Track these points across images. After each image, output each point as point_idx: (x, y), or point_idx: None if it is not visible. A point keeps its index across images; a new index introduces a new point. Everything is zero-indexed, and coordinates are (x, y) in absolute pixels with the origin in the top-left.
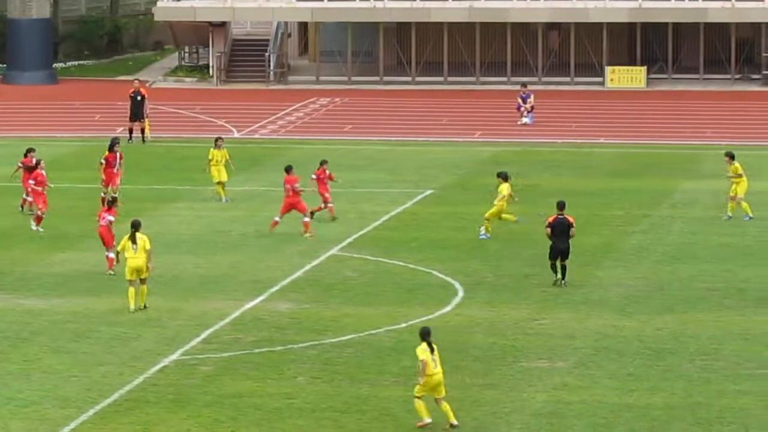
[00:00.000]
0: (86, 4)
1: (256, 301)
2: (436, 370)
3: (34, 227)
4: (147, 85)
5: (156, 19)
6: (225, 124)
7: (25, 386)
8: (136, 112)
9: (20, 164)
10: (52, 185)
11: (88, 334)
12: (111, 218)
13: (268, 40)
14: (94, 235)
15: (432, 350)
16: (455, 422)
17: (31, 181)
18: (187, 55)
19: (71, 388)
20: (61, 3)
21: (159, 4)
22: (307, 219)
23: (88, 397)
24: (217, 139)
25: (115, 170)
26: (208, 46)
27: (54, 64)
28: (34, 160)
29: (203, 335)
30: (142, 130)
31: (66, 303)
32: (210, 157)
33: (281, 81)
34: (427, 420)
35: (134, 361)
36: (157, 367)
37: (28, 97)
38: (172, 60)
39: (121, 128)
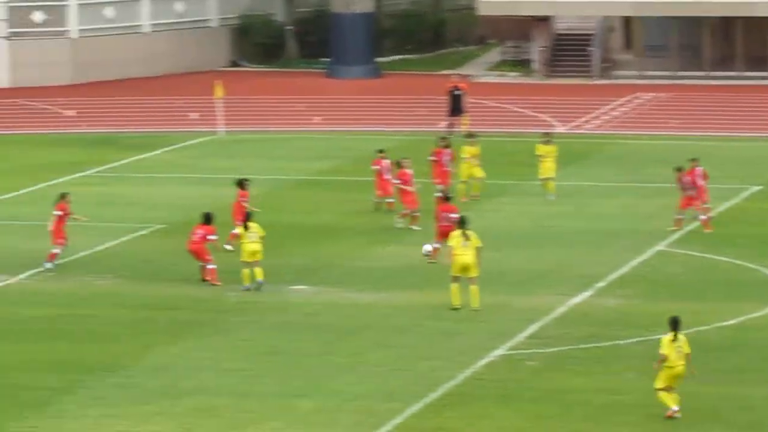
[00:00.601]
0: None
1: (582, 296)
2: (679, 362)
3: (400, 224)
4: (469, 79)
5: (479, 13)
6: (549, 119)
7: (351, 379)
8: (456, 107)
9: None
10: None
11: (413, 329)
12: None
13: (591, 35)
14: (422, 229)
15: (675, 339)
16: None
17: (396, 180)
18: (510, 49)
19: (397, 382)
20: None
21: None
22: None
23: (413, 391)
24: (545, 134)
25: (446, 168)
26: (531, 41)
27: (377, 59)
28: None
29: (529, 330)
30: (460, 125)
31: (391, 297)
32: (538, 152)
33: (604, 76)
34: (675, 408)
35: (460, 355)
36: (483, 362)
37: (352, 91)
38: (495, 54)
39: (444, 123)
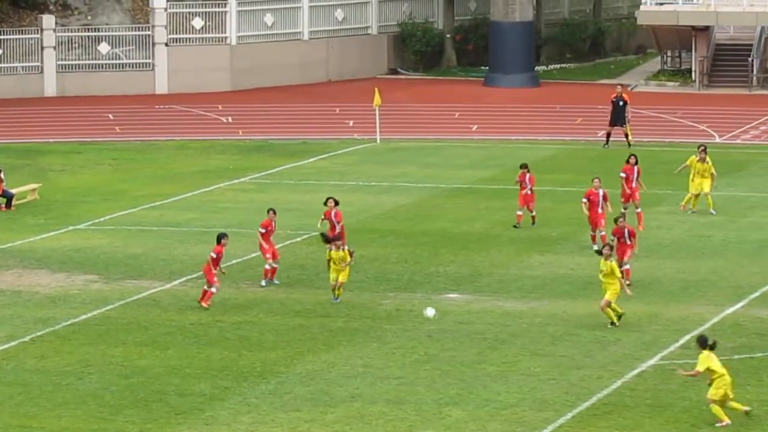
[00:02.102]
0: (569, 7)
1: (736, 306)
2: (724, 371)
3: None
4: (628, 89)
5: (639, 23)
6: (707, 129)
7: (503, 388)
8: (617, 118)
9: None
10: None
11: (566, 338)
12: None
13: (751, 45)
14: (571, 237)
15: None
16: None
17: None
18: (669, 59)
19: (549, 391)
20: (544, 6)
21: (642, 8)
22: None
23: (566, 401)
24: (702, 151)
25: (634, 185)
26: (691, 51)
27: (536, 67)
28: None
29: (682, 340)
30: (626, 135)
31: (544, 306)
32: (688, 163)
33: (764, 86)
34: (727, 421)
35: (613, 365)
36: (635, 372)
37: (509, 100)
38: (654, 64)
39: (602, 132)
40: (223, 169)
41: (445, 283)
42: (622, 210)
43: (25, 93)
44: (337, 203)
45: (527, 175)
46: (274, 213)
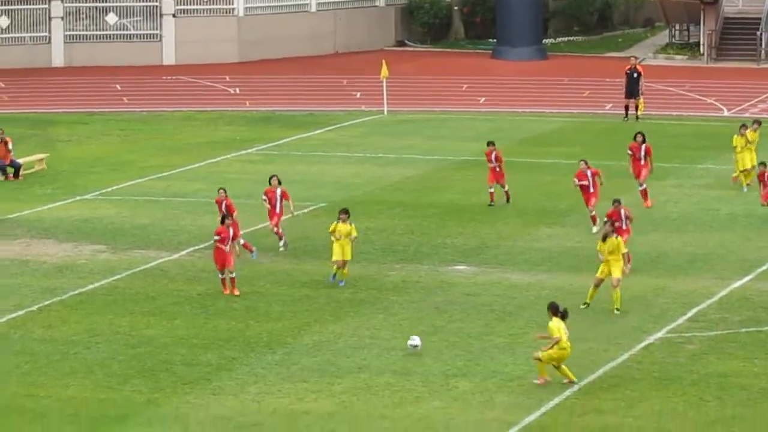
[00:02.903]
0: None
1: (743, 280)
2: (567, 344)
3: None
4: (639, 62)
5: None
6: (715, 102)
7: (510, 360)
8: (632, 90)
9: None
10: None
11: (573, 310)
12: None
13: (759, 19)
14: (578, 210)
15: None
16: (574, 379)
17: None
18: (677, 32)
19: None
20: None
21: None
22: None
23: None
24: (741, 126)
25: (642, 162)
26: (699, 24)
27: (543, 40)
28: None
29: (689, 314)
30: (636, 107)
31: (551, 278)
32: (734, 144)
33: None
34: (546, 379)
35: (620, 337)
36: (642, 345)
37: (517, 72)
38: (662, 37)
39: (610, 105)
40: (231, 140)
41: (453, 255)
42: (640, 187)
43: (33, 63)
44: (280, 182)
45: (494, 153)
46: (225, 192)
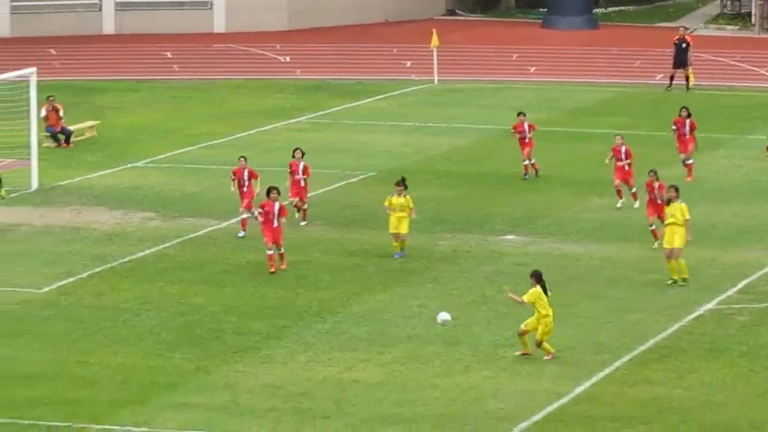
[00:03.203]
0: None
1: None
2: (549, 311)
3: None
4: (688, 32)
5: None
6: (766, 73)
7: (559, 331)
8: (680, 60)
9: None
10: None
11: (623, 281)
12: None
13: None
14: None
15: (545, 292)
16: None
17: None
18: (728, 2)
19: (606, 334)
20: None
21: None
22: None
23: (622, 344)
24: None
25: (687, 137)
26: None
27: (594, 10)
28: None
29: (740, 285)
30: (687, 78)
31: (601, 249)
32: None
33: None
34: (530, 351)
35: (669, 308)
36: (692, 316)
37: (567, 42)
38: (713, 7)
39: (660, 75)
40: (280, 108)
41: (502, 225)
42: (685, 161)
43: (83, 30)
44: (303, 154)
45: (525, 123)
46: (245, 159)
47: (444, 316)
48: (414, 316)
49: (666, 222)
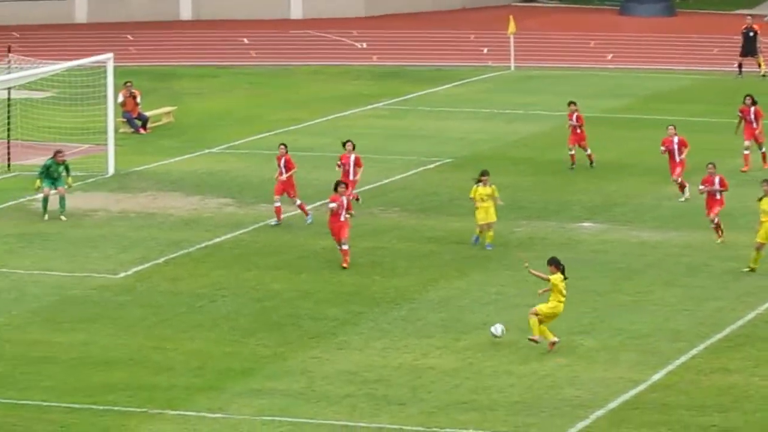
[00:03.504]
0: None
1: None
2: (563, 299)
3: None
4: (765, 19)
5: None
6: None
7: (636, 318)
8: (749, 49)
9: None
10: None
11: (701, 269)
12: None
13: None
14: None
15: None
16: (556, 339)
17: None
18: None
19: (683, 322)
20: None
21: None
22: None
23: (699, 331)
24: None
25: (753, 125)
26: None
27: None
28: None
29: None
30: (759, 65)
31: (679, 236)
32: None
33: None
34: (538, 337)
35: (747, 296)
36: None
37: (645, 29)
38: None
39: (737, 63)
40: (358, 94)
41: (579, 212)
42: (744, 150)
43: (160, 16)
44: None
45: (575, 113)
46: (285, 147)
47: (497, 330)
48: (490, 303)
49: (761, 219)
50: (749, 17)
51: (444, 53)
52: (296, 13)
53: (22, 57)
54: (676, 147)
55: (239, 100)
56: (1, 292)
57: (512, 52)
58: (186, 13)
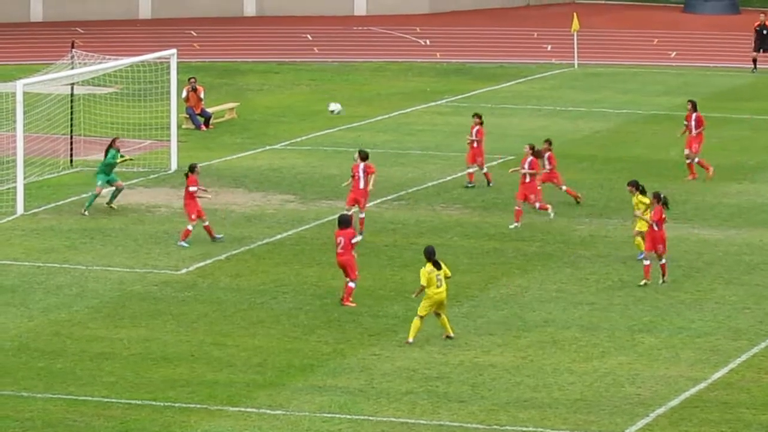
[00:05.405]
0: None
1: None
2: (440, 289)
3: None
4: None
5: None
6: None
7: (697, 316)
8: (762, 45)
9: None
10: None
11: (762, 267)
12: None
13: None
14: None
15: (438, 268)
16: (452, 334)
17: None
18: None
19: (743, 320)
20: None
21: None
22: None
23: (760, 330)
24: None
25: None
26: None
27: None
28: None
29: None
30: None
31: (741, 234)
32: None
33: None
34: (411, 340)
35: None
36: None
37: (709, 27)
38: None
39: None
40: (421, 91)
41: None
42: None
43: (224, 12)
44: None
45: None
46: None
47: (335, 106)
48: (551, 301)
49: None
50: (762, 15)
51: (507, 50)
52: (360, 9)
53: (86, 53)
54: (693, 123)
55: (302, 96)
56: (62, 288)
57: (576, 50)
58: (250, 9)
